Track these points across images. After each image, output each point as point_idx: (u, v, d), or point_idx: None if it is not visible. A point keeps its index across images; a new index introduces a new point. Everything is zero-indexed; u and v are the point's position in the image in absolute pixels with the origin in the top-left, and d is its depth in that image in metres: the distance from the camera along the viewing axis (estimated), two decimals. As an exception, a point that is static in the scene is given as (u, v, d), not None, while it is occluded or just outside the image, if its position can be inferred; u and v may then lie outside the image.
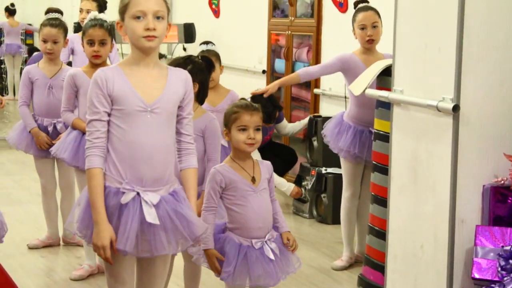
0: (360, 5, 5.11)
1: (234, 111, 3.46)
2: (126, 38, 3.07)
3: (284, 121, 6.68)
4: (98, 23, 4.74)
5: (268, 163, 3.60)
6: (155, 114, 3.04)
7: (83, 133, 4.65)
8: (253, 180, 3.48)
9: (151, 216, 3.00)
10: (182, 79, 3.14)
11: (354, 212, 5.20)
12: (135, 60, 3.08)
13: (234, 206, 3.46)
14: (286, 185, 6.36)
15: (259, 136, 3.47)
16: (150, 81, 3.07)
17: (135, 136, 3.02)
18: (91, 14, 4.81)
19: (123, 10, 3.04)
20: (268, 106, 6.18)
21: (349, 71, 5.01)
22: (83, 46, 4.75)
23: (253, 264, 3.41)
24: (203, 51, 4.98)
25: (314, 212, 6.38)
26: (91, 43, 4.68)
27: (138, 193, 3.02)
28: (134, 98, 3.02)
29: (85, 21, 4.82)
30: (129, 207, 3.00)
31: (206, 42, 5.08)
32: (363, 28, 4.99)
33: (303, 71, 5.18)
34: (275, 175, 6.21)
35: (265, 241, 3.45)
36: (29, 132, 5.16)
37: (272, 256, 3.44)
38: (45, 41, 5.22)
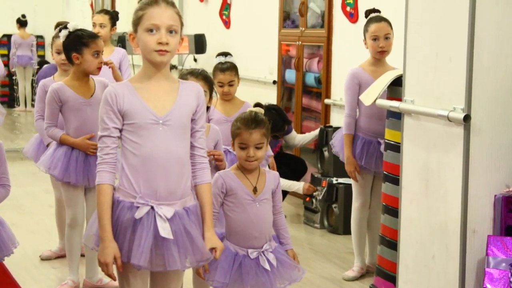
0: (372, 14, 5.09)
1: (237, 127, 3.47)
2: (138, 50, 3.07)
3: (293, 132, 6.68)
4: (97, 35, 4.71)
5: (275, 174, 3.61)
6: (167, 126, 3.04)
7: (72, 148, 4.63)
8: (255, 190, 3.49)
9: (165, 230, 2.99)
10: (194, 92, 3.14)
11: (364, 222, 5.20)
12: (146, 74, 3.08)
13: (231, 213, 3.47)
14: (296, 185, 6.37)
15: (260, 153, 3.46)
16: (161, 94, 3.07)
17: (149, 149, 3.02)
18: (73, 24, 4.65)
19: (136, 22, 3.04)
20: (277, 121, 6.18)
21: (360, 85, 5.01)
22: (76, 59, 4.58)
23: (247, 274, 3.41)
24: (221, 63, 4.92)
25: (325, 223, 6.37)
26: (97, 54, 4.61)
27: (152, 207, 3.01)
28: (145, 111, 3.02)
29: (62, 32, 4.64)
30: (143, 221, 2.99)
31: (225, 54, 4.99)
32: (375, 39, 4.97)
33: (346, 128, 5.04)
34: (285, 180, 6.23)
35: (262, 252, 3.46)
36: (46, 146, 5.16)
37: (267, 267, 3.43)
38: (58, 52, 5.23)
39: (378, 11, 5.14)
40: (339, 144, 5.20)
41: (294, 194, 6.79)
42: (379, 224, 5.01)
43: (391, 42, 5.00)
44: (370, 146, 5.00)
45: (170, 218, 3.01)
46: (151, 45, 3.00)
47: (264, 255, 3.46)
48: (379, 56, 5.01)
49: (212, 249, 3.12)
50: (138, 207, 3.00)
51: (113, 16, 6.46)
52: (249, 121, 3.46)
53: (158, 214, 3.00)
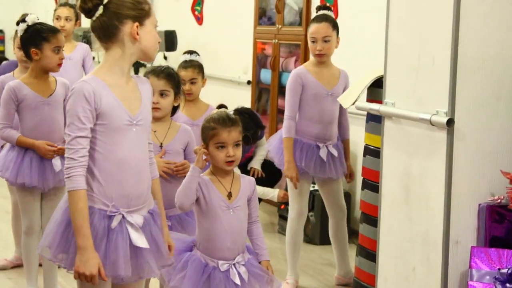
0: (319, 12, 5.06)
1: (212, 127, 3.46)
2: (127, 46, 3.02)
3: (263, 140, 6.65)
4: (58, 29, 4.67)
5: (251, 179, 3.60)
6: (139, 126, 3.05)
7: (26, 149, 4.55)
8: (229, 195, 3.48)
9: (139, 239, 3.01)
10: (147, 85, 3.17)
11: (300, 234, 5.16)
12: (121, 69, 3.05)
13: (204, 219, 3.46)
14: (271, 192, 6.37)
15: (239, 152, 3.47)
16: (129, 92, 3.07)
17: (123, 151, 3.01)
18: (32, 17, 4.57)
19: (143, 14, 3.03)
20: (250, 126, 6.17)
21: (302, 86, 4.98)
22: (35, 54, 4.50)
23: (216, 287, 3.40)
24: (185, 61, 4.93)
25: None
26: (58, 50, 4.55)
27: (123, 216, 3.02)
28: (121, 111, 3.01)
29: (20, 26, 4.56)
30: (117, 230, 3.00)
31: (190, 52, 5.00)
32: (313, 41, 4.97)
33: (287, 131, 5.00)
34: (259, 187, 6.22)
35: (233, 264, 3.45)
36: (1, 147, 5.08)
37: (238, 281, 3.42)
38: (20, 47, 5.17)
39: (328, 8, 5.11)
40: (274, 148, 5.17)
41: (269, 201, 6.77)
42: (344, 233, 5.04)
43: (331, 45, 4.98)
44: (309, 150, 4.99)
45: (141, 225, 3.05)
46: (157, 41, 3.07)
47: (235, 268, 3.45)
48: (318, 58, 5.01)
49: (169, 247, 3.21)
50: (111, 216, 3.00)
51: (76, 10, 6.42)
52: (226, 120, 3.47)
53: (130, 222, 3.01)
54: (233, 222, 3.47)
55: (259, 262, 3.56)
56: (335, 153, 5.00)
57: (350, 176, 5.17)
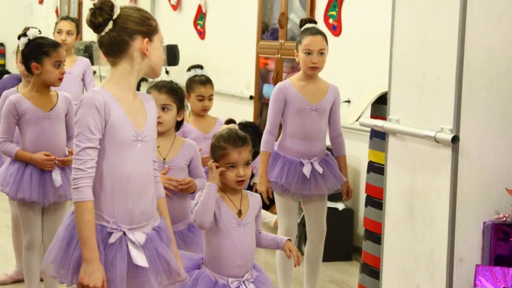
0: (308, 25, 4.96)
1: (222, 147, 3.45)
2: (136, 62, 3.02)
3: None
4: (59, 44, 4.67)
5: (258, 196, 3.60)
6: (144, 142, 3.04)
7: (26, 163, 4.54)
8: (239, 213, 3.49)
9: (139, 258, 3.00)
10: (151, 101, 3.17)
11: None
12: (129, 84, 3.04)
13: (214, 236, 3.45)
14: (269, 217, 6.34)
15: (249, 171, 3.48)
16: (136, 108, 3.07)
17: (127, 167, 3.00)
18: (33, 31, 4.56)
19: (151, 30, 3.04)
20: (254, 141, 6.16)
21: (285, 100, 4.90)
22: (36, 69, 4.49)
23: None
24: (199, 76, 4.89)
25: (303, 248, 6.35)
26: (58, 64, 4.53)
27: (124, 233, 3.01)
28: (128, 126, 3.00)
29: (21, 40, 4.56)
30: (116, 248, 2.98)
31: (200, 67, 4.94)
32: (308, 53, 4.83)
33: (263, 145, 4.95)
34: None
35: (243, 281, 3.45)
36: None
37: None
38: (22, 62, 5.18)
39: (315, 22, 5.04)
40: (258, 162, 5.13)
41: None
42: (318, 255, 4.96)
43: (325, 58, 4.88)
44: (291, 166, 4.89)
45: (143, 244, 3.02)
46: (163, 57, 3.10)
47: (245, 285, 3.45)
48: (310, 72, 4.87)
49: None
50: (111, 233, 2.99)
51: (78, 24, 6.43)
52: (237, 140, 3.46)
53: (131, 240, 3.00)
54: (244, 239, 3.47)
55: (283, 248, 3.54)
56: (320, 169, 4.86)
57: (347, 194, 5.01)
